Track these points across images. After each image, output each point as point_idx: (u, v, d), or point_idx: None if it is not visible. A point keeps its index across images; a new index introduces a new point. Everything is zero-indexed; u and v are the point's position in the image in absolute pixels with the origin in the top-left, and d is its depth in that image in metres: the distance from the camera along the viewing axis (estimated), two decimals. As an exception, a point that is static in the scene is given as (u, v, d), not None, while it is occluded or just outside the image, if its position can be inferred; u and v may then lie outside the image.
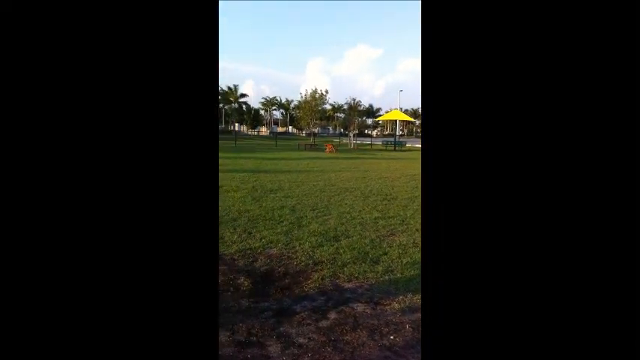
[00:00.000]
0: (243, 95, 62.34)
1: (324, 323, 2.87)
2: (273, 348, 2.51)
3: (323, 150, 24.98)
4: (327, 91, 35.40)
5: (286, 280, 3.68)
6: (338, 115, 63.55)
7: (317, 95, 35.17)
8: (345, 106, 62.54)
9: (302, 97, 37.36)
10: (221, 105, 61.81)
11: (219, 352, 2.43)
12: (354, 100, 63.30)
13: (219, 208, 6.49)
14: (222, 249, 4.47)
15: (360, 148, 30.29)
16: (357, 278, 3.76)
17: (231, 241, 4.78)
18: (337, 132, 62.89)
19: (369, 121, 71.43)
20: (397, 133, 42.56)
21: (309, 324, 2.85)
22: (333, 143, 30.68)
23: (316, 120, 40.12)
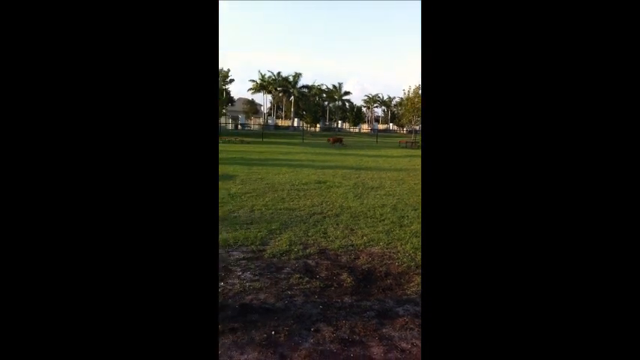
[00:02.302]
0: (346, 93, 62.95)
1: (427, 330, 2.74)
2: (376, 349, 2.46)
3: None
4: (431, 87, 33.90)
5: (388, 281, 3.60)
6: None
7: (420, 91, 34.02)
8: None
9: (405, 93, 36.55)
10: (325, 103, 63.27)
11: (323, 348, 2.46)
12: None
13: (323, 203, 6.65)
14: (325, 244, 4.56)
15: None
16: (462, 286, 3.52)
17: (334, 237, 4.84)
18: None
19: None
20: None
21: (412, 329, 2.74)
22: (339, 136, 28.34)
23: (418, 117, 38.86)
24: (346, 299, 3.17)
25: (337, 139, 25.37)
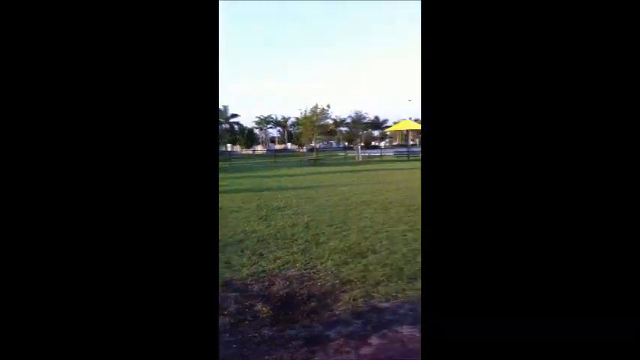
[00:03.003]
0: (234, 115, 62.71)
1: (366, 350, 2.59)
2: (310, 383, 2.23)
3: (328, 164, 24.78)
4: (328, 106, 35.97)
5: (312, 304, 3.40)
6: (341, 129, 63.81)
7: (318, 110, 35.51)
8: (349, 120, 62.91)
9: (301, 113, 37.74)
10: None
11: None
12: (357, 113, 63.70)
13: (222, 231, 6.26)
14: (230, 274, 4.21)
15: (369, 161, 30.08)
16: (395, 297, 3.47)
17: (240, 265, 4.51)
18: (341, 145, 62.92)
19: (376, 132, 71.65)
20: (409, 143, 42.74)
21: (349, 351, 2.57)
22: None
23: (318, 135, 40.30)
24: (265, 332, 2.89)
25: None
